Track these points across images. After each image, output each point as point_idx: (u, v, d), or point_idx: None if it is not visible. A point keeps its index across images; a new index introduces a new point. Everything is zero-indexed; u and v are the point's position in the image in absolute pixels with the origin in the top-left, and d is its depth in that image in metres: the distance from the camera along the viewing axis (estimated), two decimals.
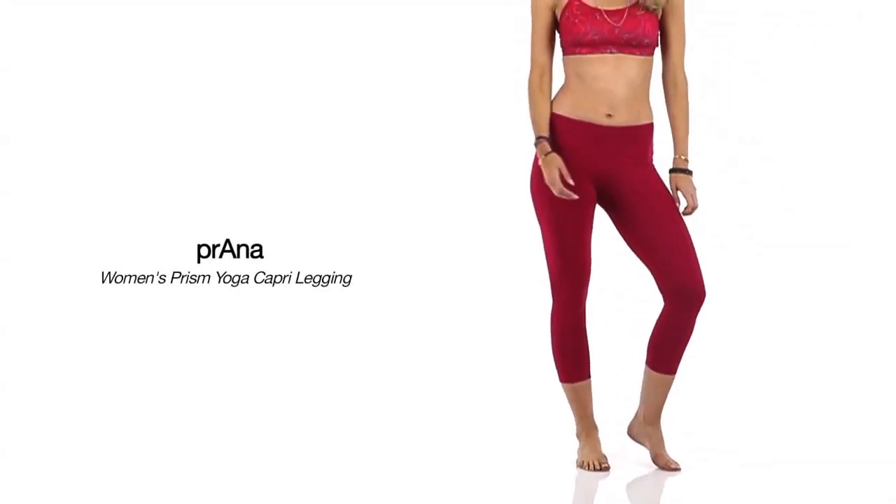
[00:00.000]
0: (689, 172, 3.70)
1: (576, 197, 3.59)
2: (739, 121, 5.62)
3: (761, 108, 5.65)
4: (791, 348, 5.23)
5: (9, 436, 4.23)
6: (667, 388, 3.76)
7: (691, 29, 3.77)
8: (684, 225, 3.68)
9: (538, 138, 3.67)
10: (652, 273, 3.69)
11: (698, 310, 3.65)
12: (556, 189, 3.59)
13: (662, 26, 3.70)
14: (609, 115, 3.64)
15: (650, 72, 3.68)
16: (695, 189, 3.68)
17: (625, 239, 3.74)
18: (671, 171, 3.71)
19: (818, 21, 5.66)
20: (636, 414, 3.87)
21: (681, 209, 3.68)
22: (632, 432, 3.90)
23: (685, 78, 3.74)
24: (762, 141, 5.67)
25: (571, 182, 3.59)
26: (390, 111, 5.69)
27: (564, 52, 3.69)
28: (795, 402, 4.62)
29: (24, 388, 4.82)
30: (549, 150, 3.63)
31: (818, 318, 5.41)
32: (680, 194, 3.68)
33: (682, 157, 3.71)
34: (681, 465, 3.79)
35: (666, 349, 3.71)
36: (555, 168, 3.60)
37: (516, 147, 3.83)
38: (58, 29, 5.64)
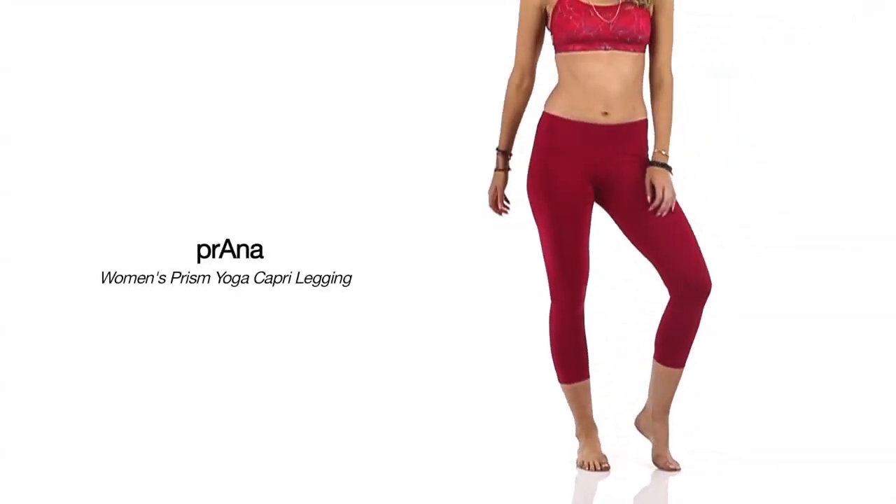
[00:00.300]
0: (668, 167, 3.68)
1: (507, 213, 3.81)
2: (737, 122, 5.62)
3: (758, 110, 5.65)
4: (790, 349, 5.23)
5: (9, 436, 4.24)
6: (675, 382, 3.75)
7: (691, 30, 3.77)
8: (685, 217, 3.67)
9: (496, 150, 3.82)
10: (656, 268, 3.68)
11: (705, 301, 3.65)
12: (490, 206, 3.83)
13: (651, 23, 3.69)
14: (605, 114, 3.64)
15: (643, 68, 3.69)
16: (669, 183, 3.63)
17: (627, 236, 3.74)
18: (649, 164, 3.69)
19: (812, 24, 5.67)
20: (644, 407, 3.86)
21: (649, 200, 3.64)
22: (638, 425, 3.90)
23: (671, 76, 3.72)
24: (761, 143, 5.66)
25: (503, 207, 3.81)
26: (390, 111, 5.69)
27: (557, 51, 3.69)
28: (795, 402, 4.62)
29: (24, 388, 4.81)
30: (500, 167, 3.82)
31: (818, 319, 5.41)
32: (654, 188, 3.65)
33: (662, 152, 3.68)
34: (680, 466, 3.79)
35: (673, 342, 3.70)
36: (493, 187, 3.82)
37: (515, 147, 3.83)
38: (58, 29, 5.63)
